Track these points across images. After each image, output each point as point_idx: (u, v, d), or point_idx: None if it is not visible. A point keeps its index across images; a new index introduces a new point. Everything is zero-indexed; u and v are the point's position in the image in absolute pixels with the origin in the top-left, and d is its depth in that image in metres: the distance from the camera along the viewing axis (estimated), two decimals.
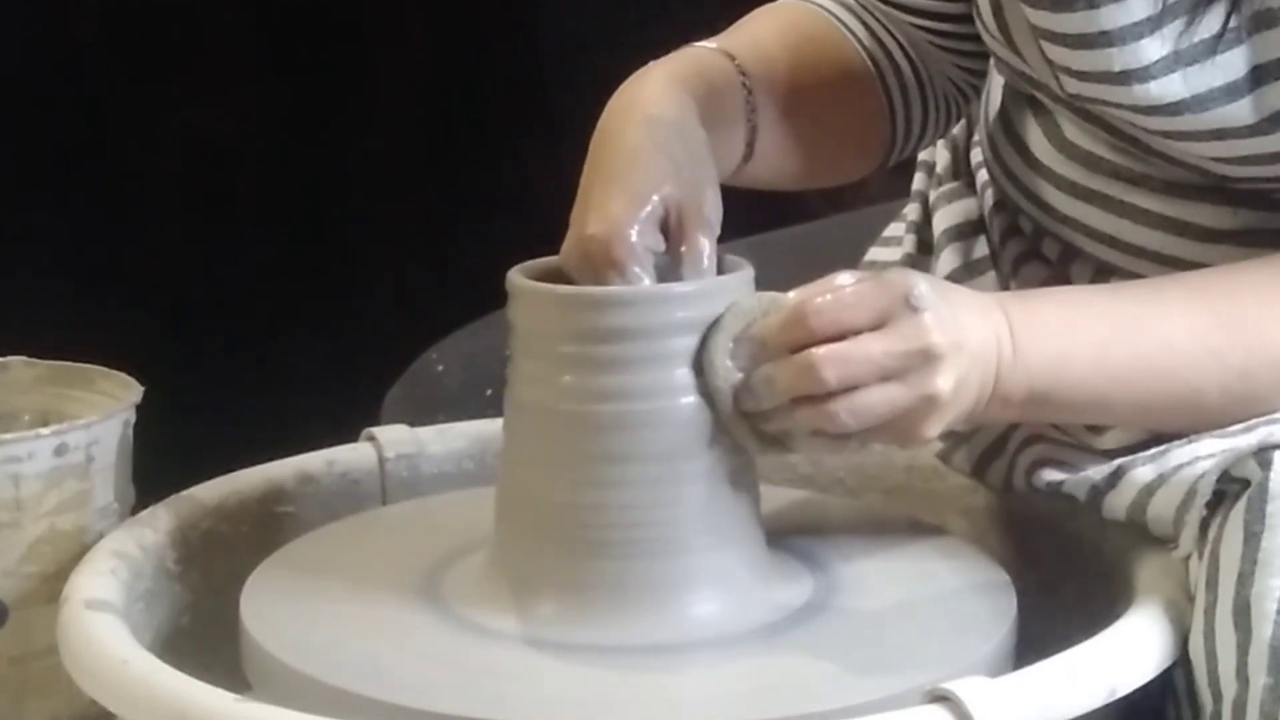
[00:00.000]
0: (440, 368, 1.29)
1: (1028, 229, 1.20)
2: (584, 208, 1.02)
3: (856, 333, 0.96)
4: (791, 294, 0.98)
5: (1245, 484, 0.96)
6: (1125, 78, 1.02)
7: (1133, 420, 1.06)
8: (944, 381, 0.96)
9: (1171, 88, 1.02)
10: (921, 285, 0.97)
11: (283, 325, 2.09)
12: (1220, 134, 1.03)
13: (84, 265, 2.07)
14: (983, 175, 1.25)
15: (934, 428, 0.98)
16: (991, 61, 1.22)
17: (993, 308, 1.01)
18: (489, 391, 1.27)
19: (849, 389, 0.95)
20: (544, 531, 1.00)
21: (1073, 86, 1.05)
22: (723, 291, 1.00)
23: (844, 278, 0.98)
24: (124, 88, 2.12)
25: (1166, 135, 1.05)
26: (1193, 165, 1.07)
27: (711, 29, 1.14)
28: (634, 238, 1.00)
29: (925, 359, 0.96)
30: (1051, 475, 1.08)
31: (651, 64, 1.10)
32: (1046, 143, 1.16)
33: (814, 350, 0.95)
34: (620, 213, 1.01)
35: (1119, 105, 1.04)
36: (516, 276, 1.02)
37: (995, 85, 1.23)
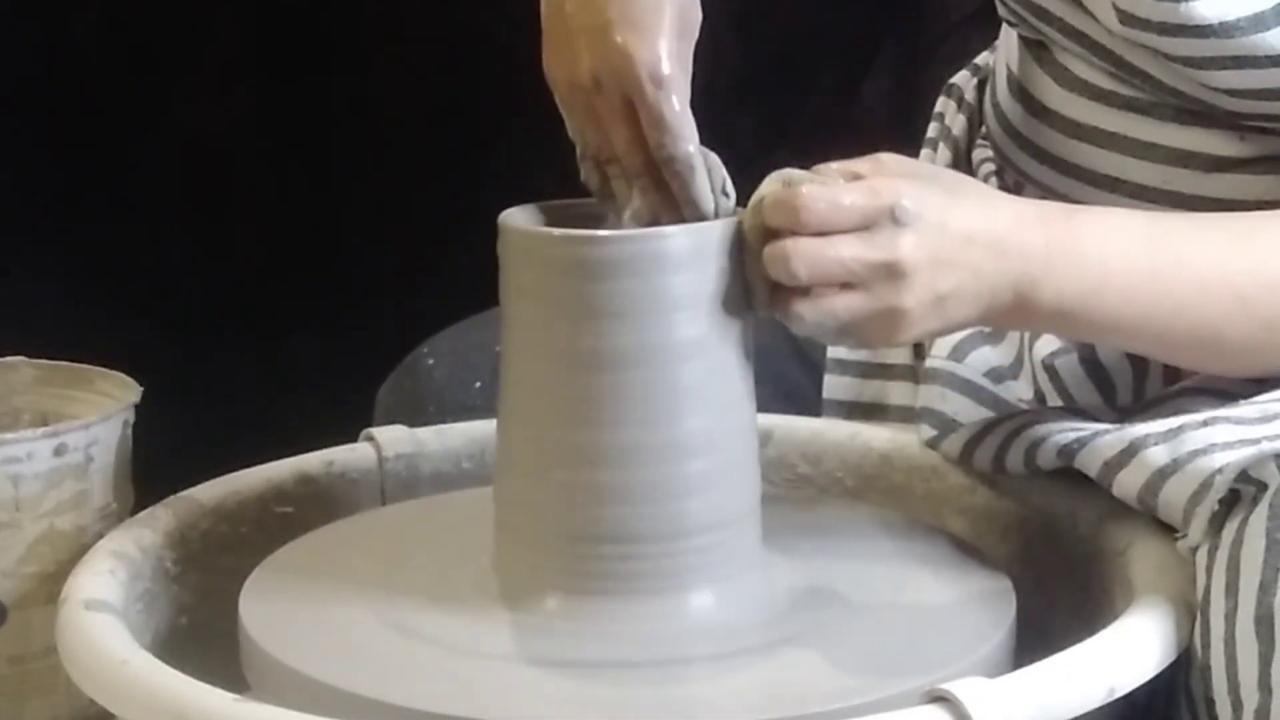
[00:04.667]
0: (431, 361, 1.29)
1: None
2: (598, 27, 0.97)
3: (841, 231, 0.96)
4: (806, 187, 0.97)
5: (1263, 486, 0.96)
6: None
7: (1150, 353, 1.06)
8: (910, 297, 0.97)
9: (1200, 10, 1.04)
10: (907, 200, 0.97)
11: (282, 326, 2.09)
12: (1240, 62, 1.05)
13: (84, 265, 2.07)
14: (984, 170, 1.26)
15: (899, 338, 0.99)
16: (1000, 35, 1.23)
17: (1032, 223, 1.01)
18: (478, 384, 1.27)
19: (818, 287, 0.96)
20: (542, 515, 1.00)
21: None
22: (716, 236, 0.99)
23: (868, 164, 0.99)
24: (124, 88, 2.12)
25: (1188, 62, 1.07)
26: (1203, 98, 1.09)
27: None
28: (677, 58, 0.98)
29: (891, 273, 0.96)
30: (1059, 448, 1.07)
31: None
32: (1056, 86, 1.17)
33: (789, 242, 0.96)
34: (657, 23, 0.97)
35: (1148, 24, 1.06)
36: (510, 218, 1.01)
37: (1000, 62, 1.24)
